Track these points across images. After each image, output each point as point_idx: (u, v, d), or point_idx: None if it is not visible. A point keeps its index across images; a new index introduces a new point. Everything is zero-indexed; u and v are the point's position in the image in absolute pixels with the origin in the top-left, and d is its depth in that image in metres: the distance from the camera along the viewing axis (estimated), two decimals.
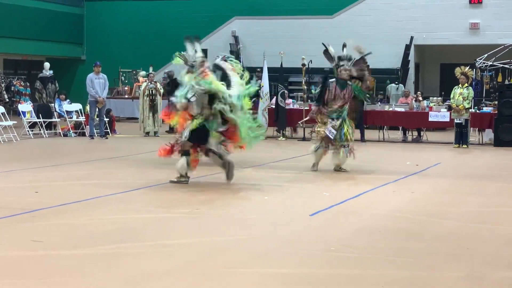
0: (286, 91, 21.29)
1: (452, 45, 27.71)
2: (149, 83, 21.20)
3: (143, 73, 27.12)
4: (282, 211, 9.14)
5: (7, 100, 24.27)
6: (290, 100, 21.82)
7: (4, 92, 24.22)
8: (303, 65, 20.66)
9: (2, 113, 19.22)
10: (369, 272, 6.32)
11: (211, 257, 6.79)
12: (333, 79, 12.85)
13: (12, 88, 25.15)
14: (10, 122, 18.95)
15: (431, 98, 22.69)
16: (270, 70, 20.91)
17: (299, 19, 28.73)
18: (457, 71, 18.29)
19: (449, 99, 19.15)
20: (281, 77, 21.22)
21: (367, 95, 13.44)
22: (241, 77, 11.06)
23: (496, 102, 19.51)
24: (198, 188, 11.13)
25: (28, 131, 19.71)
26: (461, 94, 17.92)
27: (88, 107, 20.05)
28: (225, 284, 5.95)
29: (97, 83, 19.67)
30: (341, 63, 12.78)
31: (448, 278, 6.20)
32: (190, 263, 6.56)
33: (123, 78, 29.84)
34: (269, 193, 10.62)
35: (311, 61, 21.83)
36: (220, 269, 6.33)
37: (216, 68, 10.94)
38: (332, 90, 12.68)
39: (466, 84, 18.10)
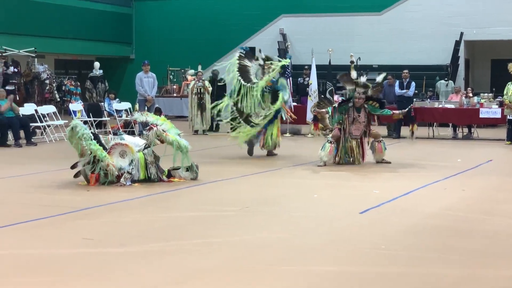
0: (334, 89, 21.20)
1: (503, 40, 27.26)
2: (197, 82, 21.26)
3: (191, 71, 27.23)
4: (332, 209, 9.10)
5: (58, 99, 24.62)
6: (339, 98, 21.66)
7: (56, 92, 24.56)
8: (352, 62, 20.46)
9: (53, 112, 19.49)
10: (419, 271, 6.25)
11: (258, 254, 6.78)
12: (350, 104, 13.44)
13: (63, 87, 25.49)
14: (61, 121, 19.19)
15: (481, 94, 22.37)
16: (318, 67, 20.83)
17: (347, 16, 28.57)
18: (510, 66, 18.00)
19: (501, 95, 18.84)
20: (329, 74, 21.13)
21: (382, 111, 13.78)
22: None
23: None
24: (247, 186, 11.15)
25: None
26: None
27: (137, 106, 20.21)
28: (271, 281, 5.94)
29: (146, 82, 19.89)
30: (358, 89, 13.36)
31: (499, 277, 6.10)
32: (235, 260, 6.56)
33: (171, 76, 30.03)
34: (318, 190, 10.60)
35: (359, 58, 21.69)
36: (268, 266, 6.32)
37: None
38: (351, 114, 13.36)
39: None
